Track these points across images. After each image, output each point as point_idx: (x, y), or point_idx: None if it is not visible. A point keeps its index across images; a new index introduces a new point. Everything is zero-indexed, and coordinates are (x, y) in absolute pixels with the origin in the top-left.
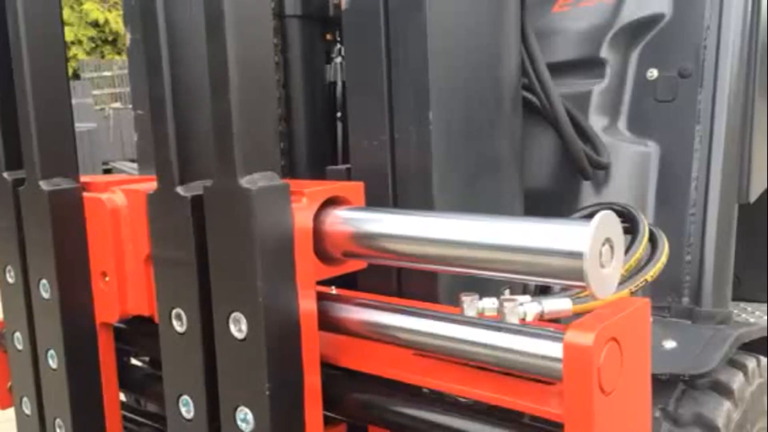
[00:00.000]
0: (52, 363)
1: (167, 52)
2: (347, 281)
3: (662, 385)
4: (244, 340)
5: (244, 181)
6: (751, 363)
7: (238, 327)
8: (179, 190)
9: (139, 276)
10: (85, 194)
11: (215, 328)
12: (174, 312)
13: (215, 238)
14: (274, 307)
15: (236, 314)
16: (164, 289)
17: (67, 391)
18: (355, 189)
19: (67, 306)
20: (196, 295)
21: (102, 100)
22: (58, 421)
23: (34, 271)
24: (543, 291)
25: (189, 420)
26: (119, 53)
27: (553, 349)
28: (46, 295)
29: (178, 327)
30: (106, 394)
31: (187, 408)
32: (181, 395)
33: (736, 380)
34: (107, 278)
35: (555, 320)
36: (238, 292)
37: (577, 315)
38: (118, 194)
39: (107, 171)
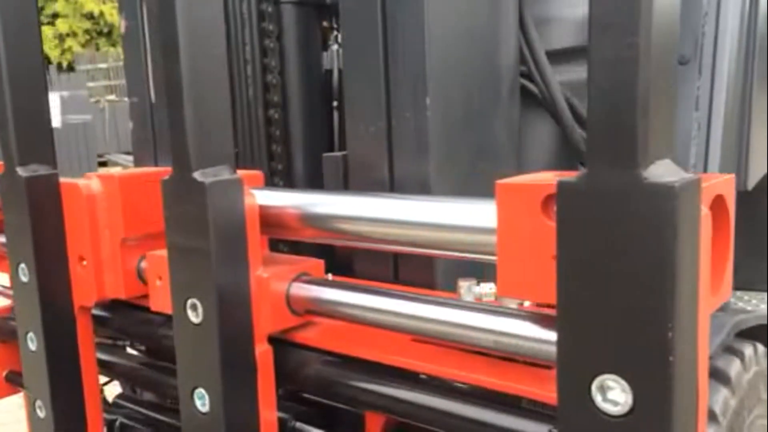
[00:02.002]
0: (32, 345)
1: (185, 33)
2: (344, 269)
3: None
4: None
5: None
6: (748, 350)
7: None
8: (196, 175)
9: (115, 260)
10: (62, 180)
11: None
12: (189, 302)
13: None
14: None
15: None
16: (179, 278)
17: (46, 372)
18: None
19: (46, 289)
20: (214, 284)
21: (97, 93)
22: (38, 402)
23: (13, 255)
24: None
25: (204, 414)
26: (114, 45)
27: (550, 333)
28: (24, 278)
29: (194, 318)
30: (85, 375)
31: (202, 401)
32: (196, 388)
33: (733, 367)
34: (84, 262)
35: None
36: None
37: None
38: (94, 180)
39: (102, 163)
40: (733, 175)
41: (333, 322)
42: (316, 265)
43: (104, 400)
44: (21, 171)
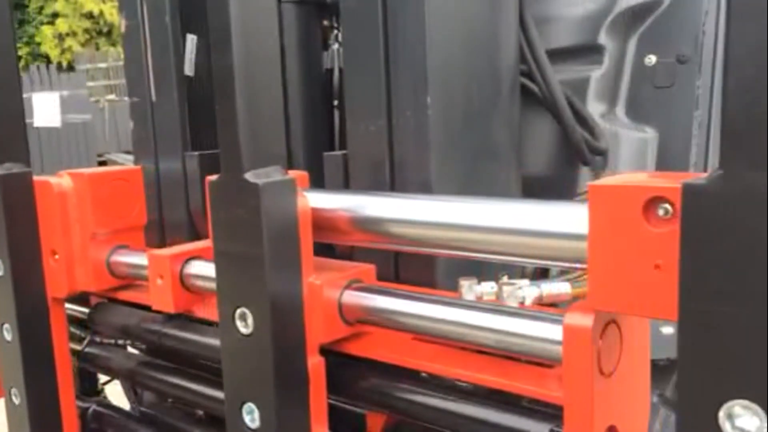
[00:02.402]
0: (8, 336)
1: (237, 24)
2: None
3: (660, 370)
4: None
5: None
6: None
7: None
8: (248, 176)
9: (85, 254)
10: (35, 178)
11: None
12: (238, 312)
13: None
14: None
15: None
16: (227, 286)
17: (21, 362)
18: None
19: (20, 282)
20: (266, 292)
21: (97, 92)
22: (14, 390)
23: None
24: (542, 275)
25: (254, 430)
26: (114, 45)
27: (552, 331)
28: (0, 272)
29: (243, 328)
30: (58, 364)
31: (251, 416)
32: (244, 402)
33: None
34: (57, 256)
35: (553, 304)
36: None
37: (576, 298)
38: (65, 178)
39: (102, 163)
40: None
41: (383, 331)
42: (368, 270)
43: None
44: None
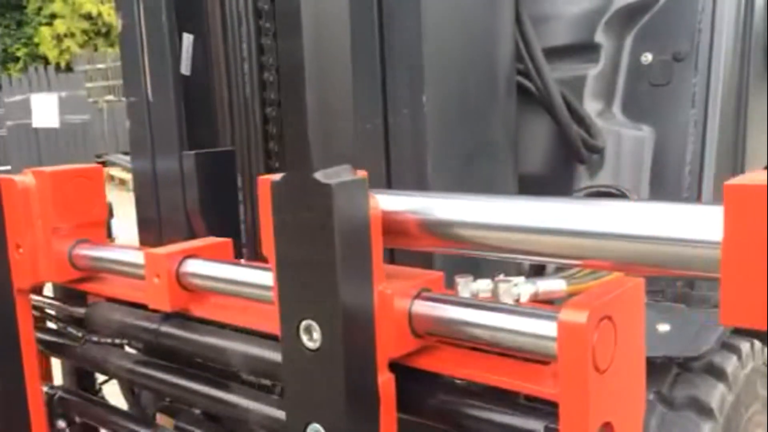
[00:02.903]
0: None
1: (307, 16)
2: None
3: (656, 368)
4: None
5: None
6: (744, 346)
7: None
8: (319, 176)
9: (48, 247)
10: (1, 176)
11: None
12: (304, 324)
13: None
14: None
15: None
16: (292, 296)
17: None
18: None
19: None
20: (337, 303)
21: (95, 93)
22: None
23: None
24: (537, 272)
25: None
26: (112, 46)
27: (547, 328)
28: None
29: (309, 343)
30: (24, 352)
31: None
32: (310, 423)
33: (730, 363)
34: (21, 249)
35: (549, 301)
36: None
37: (572, 295)
38: (29, 175)
39: (101, 164)
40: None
41: (452, 344)
42: (437, 278)
43: None
44: None
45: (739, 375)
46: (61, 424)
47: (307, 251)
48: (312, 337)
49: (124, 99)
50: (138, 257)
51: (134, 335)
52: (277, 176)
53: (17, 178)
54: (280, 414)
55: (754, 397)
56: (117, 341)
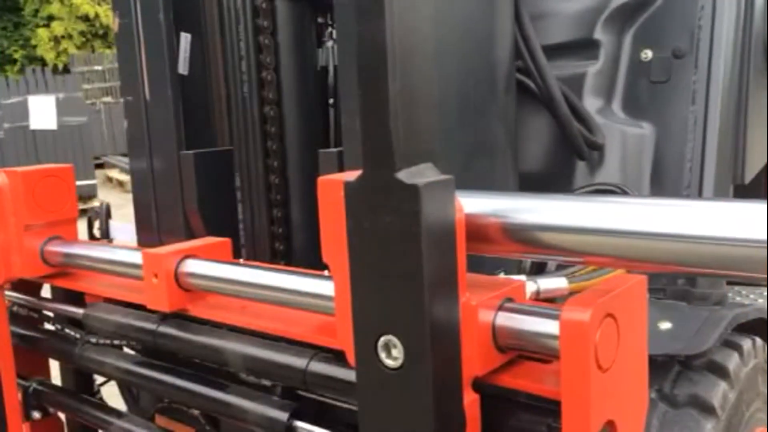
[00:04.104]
0: None
1: None
2: None
3: (658, 366)
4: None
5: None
6: (746, 343)
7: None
8: (402, 176)
9: (20, 244)
10: None
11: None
12: (382, 341)
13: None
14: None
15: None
16: (369, 309)
17: None
18: None
19: None
20: (423, 317)
21: (93, 95)
22: None
23: None
24: (538, 270)
25: None
26: (110, 47)
27: (549, 326)
28: None
29: (389, 361)
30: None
31: None
32: None
33: (732, 361)
34: None
35: (551, 300)
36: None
37: (573, 293)
38: (1, 175)
39: (99, 165)
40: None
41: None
42: (519, 287)
43: None
44: None
45: (740, 372)
46: (36, 415)
47: (389, 260)
48: (391, 355)
49: (121, 100)
50: (110, 252)
51: (132, 336)
52: (349, 176)
53: None
54: (279, 414)
55: (755, 394)
56: (115, 342)
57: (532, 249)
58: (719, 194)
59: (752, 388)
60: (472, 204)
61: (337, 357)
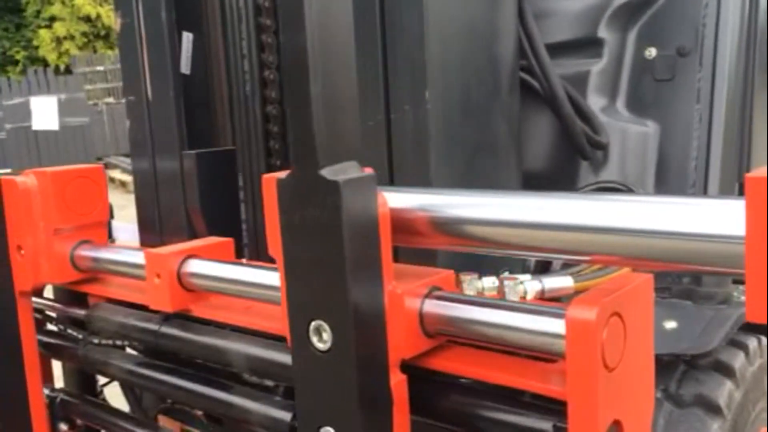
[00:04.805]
0: None
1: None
2: None
3: (664, 365)
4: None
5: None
6: (752, 343)
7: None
8: (325, 173)
9: (49, 248)
10: (1, 177)
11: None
12: (313, 325)
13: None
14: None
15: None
16: (301, 296)
17: None
18: None
19: None
20: (347, 303)
21: (95, 95)
22: None
23: None
24: (543, 269)
25: None
26: (111, 48)
27: (555, 325)
28: None
29: (319, 344)
30: (25, 353)
31: None
32: (321, 427)
33: (738, 360)
34: (22, 251)
35: (556, 299)
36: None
37: (578, 293)
38: (30, 177)
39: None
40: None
41: (461, 343)
42: (447, 277)
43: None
44: None
45: (746, 372)
46: (63, 427)
47: (316, 251)
48: (322, 338)
49: (123, 101)
50: (142, 258)
51: (135, 336)
52: (282, 174)
53: (18, 179)
54: (282, 415)
55: (761, 393)
56: (118, 343)
57: (457, 241)
58: (724, 192)
59: (758, 388)
60: (398, 199)
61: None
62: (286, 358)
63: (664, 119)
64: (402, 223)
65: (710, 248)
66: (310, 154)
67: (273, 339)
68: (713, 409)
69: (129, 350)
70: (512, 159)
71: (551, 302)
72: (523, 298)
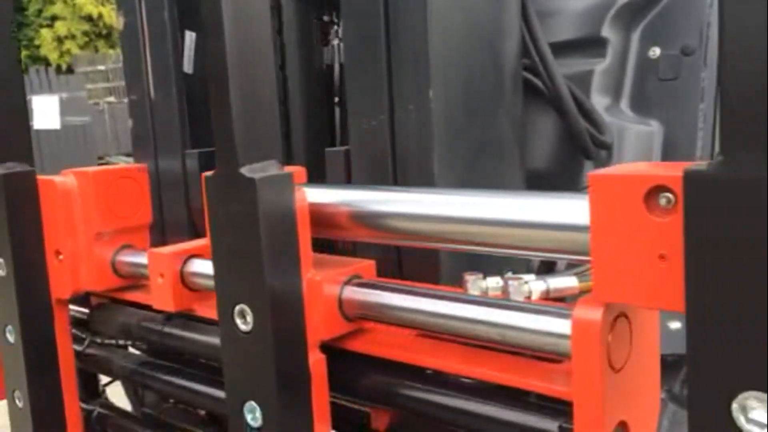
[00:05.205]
0: (11, 338)
1: (229, 14)
2: None
3: (668, 366)
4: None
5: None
6: None
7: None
8: (244, 171)
9: (90, 253)
10: (39, 177)
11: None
12: (237, 309)
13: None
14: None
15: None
16: (226, 283)
17: (23, 364)
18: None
19: (23, 283)
20: (265, 288)
21: (96, 95)
22: (17, 393)
23: None
24: (548, 269)
25: (257, 428)
26: (113, 47)
27: (560, 325)
28: (2, 272)
29: (243, 325)
30: (62, 365)
31: (252, 415)
32: (246, 401)
33: None
34: (61, 256)
35: (560, 299)
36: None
37: (583, 293)
38: (70, 177)
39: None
40: None
41: (385, 327)
42: (368, 266)
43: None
44: None
45: None
46: None
47: (237, 242)
48: (246, 321)
49: (125, 100)
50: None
51: (138, 336)
52: (209, 172)
53: (57, 179)
54: None
55: None
56: (120, 342)
57: (373, 233)
58: None
59: None
60: (319, 195)
61: (343, 356)
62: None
63: (668, 119)
64: (322, 217)
65: (561, 237)
66: (231, 154)
67: None
68: None
69: (131, 350)
70: (516, 158)
71: (553, 301)
72: (528, 297)
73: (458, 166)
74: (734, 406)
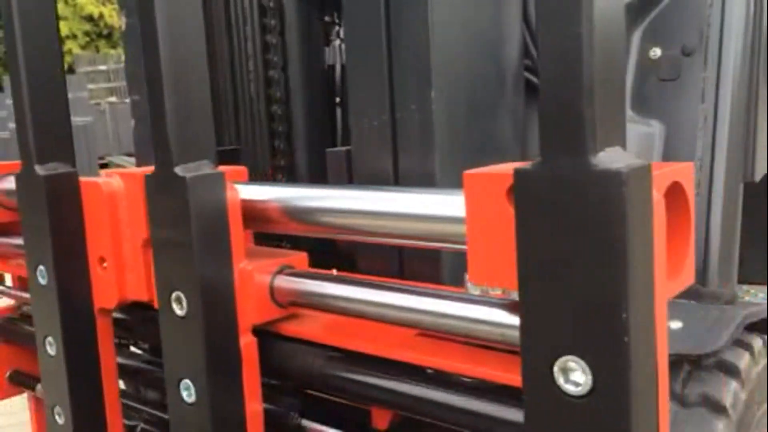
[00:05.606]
0: (51, 350)
1: (164, 28)
2: (348, 265)
3: (669, 365)
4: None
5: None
6: (757, 343)
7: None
8: (177, 170)
9: (137, 261)
10: (82, 179)
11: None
12: (174, 295)
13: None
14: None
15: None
16: (163, 272)
17: (66, 378)
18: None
19: (65, 292)
20: (197, 277)
21: (97, 95)
22: (57, 408)
23: (31, 257)
24: None
25: (191, 404)
26: (114, 47)
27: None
28: (43, 281)
29: (179, 310)
30: (105, 380)
31: (188, 392)
32: (181, 379)
33: (743, 360)
34: (105, 264)
35: None
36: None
37: None
38: (115, 178)
39: (104, 165)
40: (691, 163)
41: (335, 318)
42: (300, 258)
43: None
44: (39, 169)
45: (751, 372)
46: None
47: (172, 234)
48: (181, 306)
49: (126, 100)
50: None
51: (143, 335)
52: (148, 171)
53: (102, 181)
54: (287, 413)
55: (766, 393)
56: (123, 341)
57: (302, 227)
58: (729, 192)
59: (763, 388)
60: (252, 192)
61: (347, 357)
62: (286, 358)
63: (668, 119)
64: (255, 212)
65: (439, 228)
66: (167, 155)
67: (278, 339)
68: (719, 409)
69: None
70: (517, 158)
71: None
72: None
73: (460, 165)
74: (555, 368)
